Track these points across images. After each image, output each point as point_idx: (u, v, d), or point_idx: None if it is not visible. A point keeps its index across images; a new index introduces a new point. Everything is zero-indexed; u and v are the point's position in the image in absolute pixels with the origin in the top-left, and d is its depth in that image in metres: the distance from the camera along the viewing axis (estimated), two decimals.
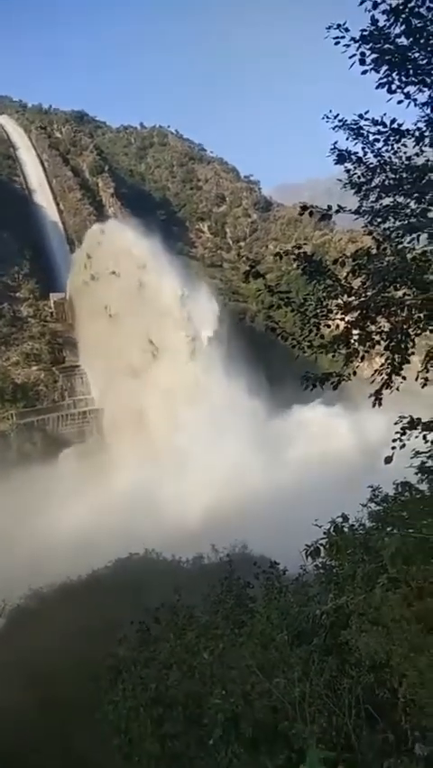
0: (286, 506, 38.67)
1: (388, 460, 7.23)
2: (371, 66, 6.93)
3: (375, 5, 6.52)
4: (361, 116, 7.43)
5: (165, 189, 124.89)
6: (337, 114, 7.47)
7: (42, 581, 30.26)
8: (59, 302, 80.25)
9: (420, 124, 7.33)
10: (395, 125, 7.37)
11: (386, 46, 6.82)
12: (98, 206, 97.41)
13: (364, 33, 6.72)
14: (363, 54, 6.82)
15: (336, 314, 7.16)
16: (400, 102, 7.09)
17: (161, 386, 67.18)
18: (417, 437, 7.55)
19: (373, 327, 7.22)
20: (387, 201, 7.50)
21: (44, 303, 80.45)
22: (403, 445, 7.41)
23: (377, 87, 7.17)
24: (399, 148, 7.47)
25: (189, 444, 56.96)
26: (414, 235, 7.27)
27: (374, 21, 6.67)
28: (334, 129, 7.52)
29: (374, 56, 6.85)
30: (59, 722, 14.78)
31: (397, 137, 7.42)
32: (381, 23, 6.67)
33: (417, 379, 7.78)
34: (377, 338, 7.25)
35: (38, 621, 26.03)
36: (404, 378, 7.34)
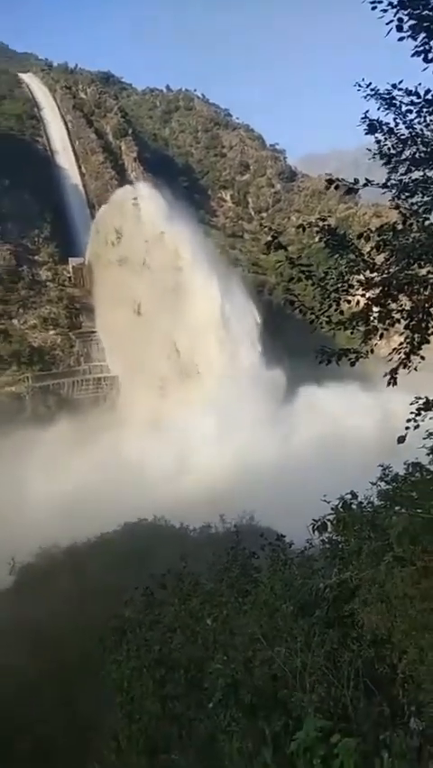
0: (296, 481, 38.87)
1: (401, 440, 7.18)
2: (408, 33, 6.64)
3: None
4: (394, 86, 7.16)
5: (188, 155, 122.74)
6: (370, 83, 7.20)
7: (50, 543, 30.90)
8: (77, 267, 79.99)
9: None
10: (430, 96, 7.10)
11: (425, 12, 6.53)
12: (120, 170, 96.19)
13: None
14: (400, 20, 6.53)
15: (357, 289, 7.03)
16: None
17: (180, 354, 67.07)
18: (432, 418, 7.48)
19: (393, 305, 7.08)
20: (416, 175, 7.27)
21: (63, 267, 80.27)
22: (417, 426, 7.34)
23: (413, 56, 6.89)
24: (432, 120, 7.22)
25: (204, 415, 57.15)
26: None
27: None
28: (365, 98, 7.25)
29: (412, 22, 6.56)
30: (64, 681, 15.24)
31: (431, 108, 7.16)
32: None
33: None
34: (397, 316, 7.12)
35: (46, 580, 26.69)
36: (423, 357, 7.23)
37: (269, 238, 6.85)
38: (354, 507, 8.63)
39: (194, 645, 7.47)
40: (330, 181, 7.18)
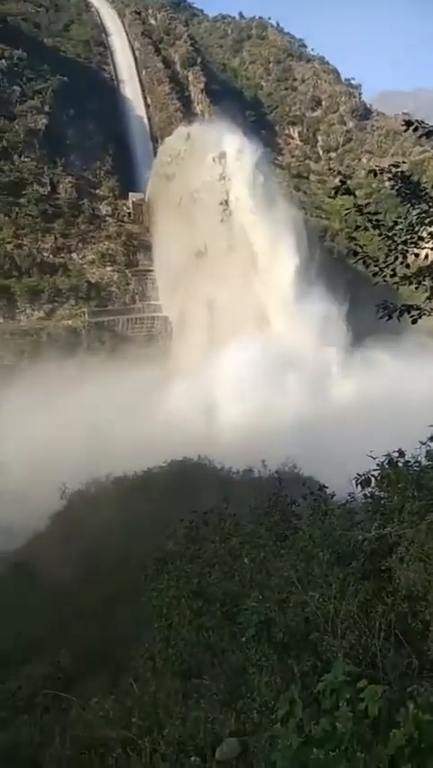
0: (345, 434, 38.73)
1: None
2: None
3: None
4: None
5: (258, 88, 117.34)
6: None
7: (102, 473, 32.25)
8: (137, 203, 79.11)
9: None
10: None
11: None
12: (186, 102, 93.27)
13: None
14: None
15: (428, 242, 6.72)
16: None
17: (237, 301, 66.43)
18: None
19: None
20: None
21: (123, 202, 79.64)
22: None
23: None
24: None
25: (257, 363, 57.04)
26: None
27: None
28: None
29: None
30: (108, 604, 16.21)
31: None
32: None
33: None
34: None
35: (95, 508, 28.04)
36: None
37: (337, 182, 6.57)
38: (399, 464, 8.58)
39: (231, 582, 7.77)
40: (408, 122, 6.76)
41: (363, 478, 8.00)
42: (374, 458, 7.94)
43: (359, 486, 8.01)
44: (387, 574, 6.22)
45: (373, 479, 8.02)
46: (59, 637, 14.32)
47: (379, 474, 8.01)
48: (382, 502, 8.69)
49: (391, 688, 4.52)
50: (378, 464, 7.94)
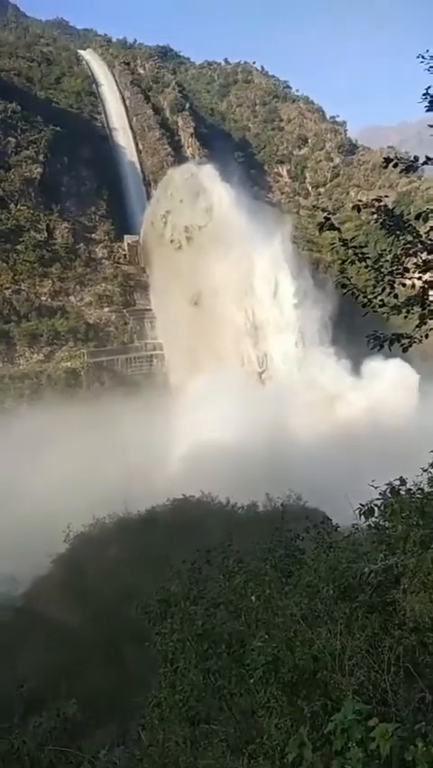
0: (346, 462, 38.51)
1: None
2: None
3: None
4: None
5: (246, 129, 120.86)
6: None
7: (103, 513, 31.90)
8: (132, 244, 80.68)
9: None
10: None
11: None
12: (177, 146, 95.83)
13: None
14: None
15: (414, 272, 6.84)
16: None
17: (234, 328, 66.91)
18: None
19: None
20: None
21: (118, 245, 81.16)
22: None
23: None
24: None
25: (258, 391, 57.17)
26: None
27: None
28: (429, 70, 6.94)
29: None
30: (113, 646, 15.87)
31: None
32: None
33: None
34: None
35: (99, 549, 27.68)
36: None
37: (322, 219, 6.74)
38: (402, 492, 8.52)
39: (237, 621, 7.61)
40: (388, 159, 6.96)
41: (366, 508, 7.93)
42: (376, 487, 7.89)
43: (363, 516, 7.93)
44: (393, 606, 6.12)
45: (376, 508, 7.94)
46: (65, 684, 13.97)
47: (382, 503, 7.93)
48: (387, 532, 8.60)
49: (404, 725, 4.40)
50: (380, 493, 7.88)
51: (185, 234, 72.69)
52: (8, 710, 8.40)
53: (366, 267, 6.75)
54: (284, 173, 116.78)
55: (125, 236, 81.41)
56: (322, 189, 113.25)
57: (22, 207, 74.75)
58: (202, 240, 71.38)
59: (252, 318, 70.31)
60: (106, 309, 74.27)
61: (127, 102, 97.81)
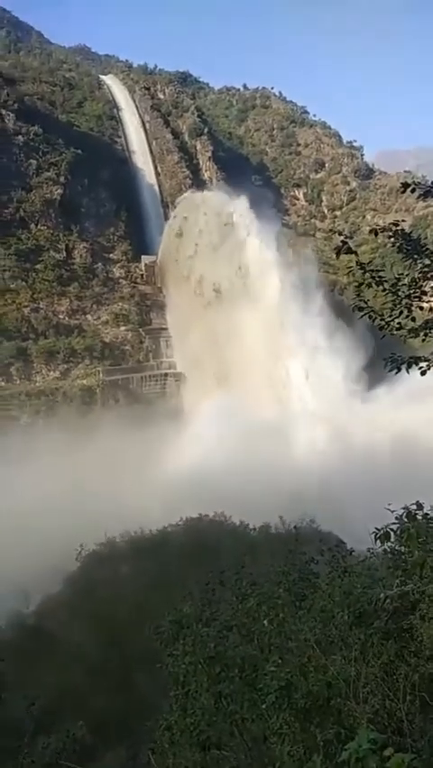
0: (362, 486, 38.09)
1: None
2: None
3: None
4: None
5: (263, 154, 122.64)
6: None
7: (116, 533, 31.74)
8: (149, 265, 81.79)
9: None
10: None
11: None
12: (195, 170, 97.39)
13: None
14: None
15: (431, 296, 6.85)
16: None
17: (248, 350, 66.99)
18: None
19: None
20: None
21: (136, 265, 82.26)
22: None
23: None
24: None
25: (272, 415, 57.02)
26: None
27: None
28: None
29: None
30: (124, 667, 15.70)
31: None
32: None
33: None
34: None
35: (109, 568, 27.52)
36: None
37: (339, 242, 6.79)
38: (419, 517, 8.42)
39: (249, 645, 7.52)
40: (405, 184, 7.02)
41: (381, 532, 7.83)
42: (392, 511, 7.80)
43: (378, 541, 7.83)
44: (409, 633, 6.01)
45: (391, 533, 7.84)
46: (75, 705, 13.82)
47: (398, 528, 7.83)
48: (403, 557, 8.47)
49: (420, 755, 4.31)
50: (396, 518, 7.79)
51: (213, 293, 73.08)
52: (18, 730, 8.33)
53: (383, 290, 6.77)
54: (301, 196, 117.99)
55: (143, 257, 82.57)
56: (338, 212, 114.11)
57: (42, 228, 76.21)
58: (233, 295, 71.65)
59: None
60: (123, 328, 75.01)
61: (147, 126, 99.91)
